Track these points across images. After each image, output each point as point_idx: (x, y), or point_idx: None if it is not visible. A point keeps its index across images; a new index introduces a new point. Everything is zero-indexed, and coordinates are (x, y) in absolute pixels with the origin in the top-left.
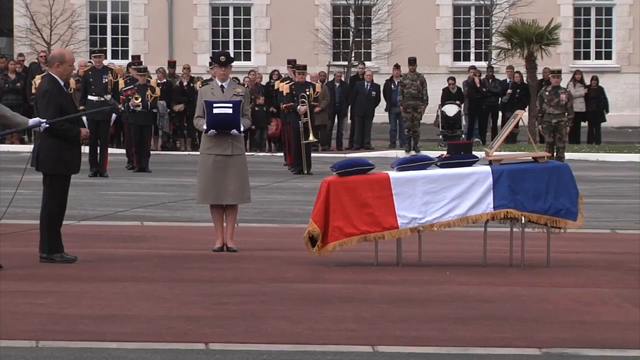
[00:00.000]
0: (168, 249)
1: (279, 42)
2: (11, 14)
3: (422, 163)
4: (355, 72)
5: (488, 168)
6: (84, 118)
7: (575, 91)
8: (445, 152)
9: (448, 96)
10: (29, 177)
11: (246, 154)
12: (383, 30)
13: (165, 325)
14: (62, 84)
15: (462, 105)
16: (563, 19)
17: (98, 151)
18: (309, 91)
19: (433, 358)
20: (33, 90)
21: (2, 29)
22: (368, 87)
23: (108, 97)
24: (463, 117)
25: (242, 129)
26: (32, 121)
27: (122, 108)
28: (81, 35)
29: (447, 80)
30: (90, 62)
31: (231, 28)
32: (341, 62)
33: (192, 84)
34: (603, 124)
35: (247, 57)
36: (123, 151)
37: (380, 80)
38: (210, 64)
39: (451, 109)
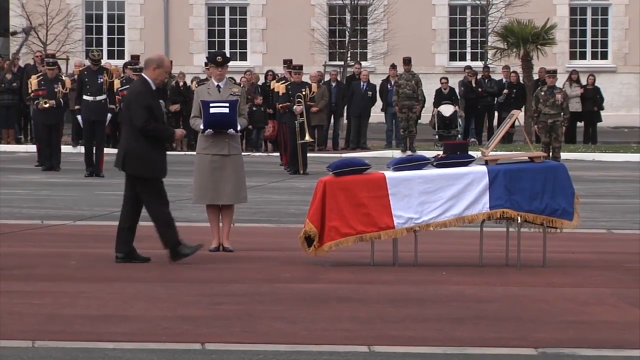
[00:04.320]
0: (164, 249)
1: (275, 42)
2: (7, 14)
3: (418, 163)
4: (352, 72)
5: (484, 168)
6: (79, 118)
7: (571, 91)
8: (441, 152)
9: (441, 96)
10: (27, 178)
11: (242, 153)
12: (379, 30)
13: (162, 326)
14: (153, 87)
15: (458, 105)
16: (559, 19)
17: (94, 151)
18: (305, 91)
19: (429, 358)
20: (29, 91)
21: None
22: (364, 87)
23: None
24: (459, 117)
25: (238, 128)
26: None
27: (117, 109)
28: (77, 35)
29: (440, 80)
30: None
31: (227, 28)
32: (337, 62)
33: (187, 84)
34: (599, 124)
35: (243, 57)
36: None
37: (376, 80)
38: (206, 64)
39: (447, 109)
